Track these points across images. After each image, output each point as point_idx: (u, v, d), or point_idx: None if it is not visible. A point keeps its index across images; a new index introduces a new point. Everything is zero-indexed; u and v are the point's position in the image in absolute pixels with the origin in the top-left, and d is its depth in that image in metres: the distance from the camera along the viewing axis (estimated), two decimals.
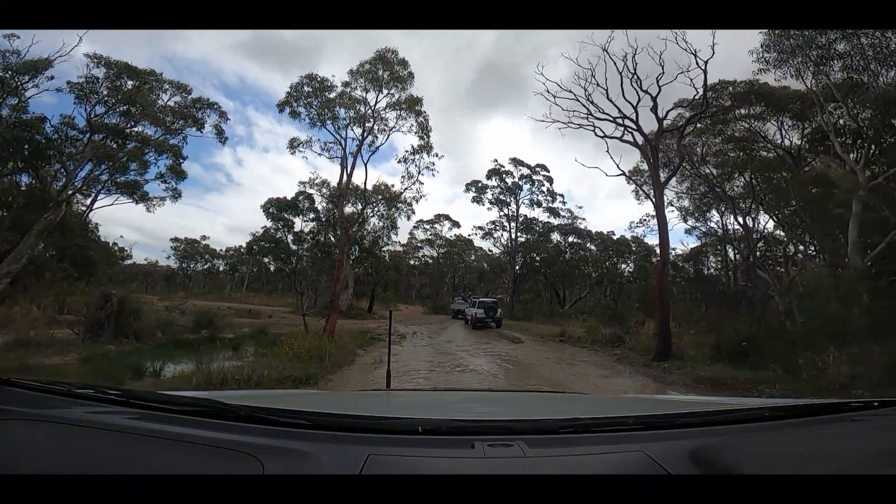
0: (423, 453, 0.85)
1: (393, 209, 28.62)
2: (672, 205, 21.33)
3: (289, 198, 26.34)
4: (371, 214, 28.39)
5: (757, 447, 0.93)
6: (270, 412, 0.98)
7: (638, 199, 23.79)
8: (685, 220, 22.69)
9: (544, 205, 35.91)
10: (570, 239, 35.44)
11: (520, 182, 35.61)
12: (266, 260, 28.09)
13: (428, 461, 0.83)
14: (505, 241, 36.51)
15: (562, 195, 36.86)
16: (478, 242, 43.21)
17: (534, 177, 35.53)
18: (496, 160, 35.96)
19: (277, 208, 25.53)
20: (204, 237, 48.63)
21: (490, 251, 43.29)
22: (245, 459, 0.79)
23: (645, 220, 27.38)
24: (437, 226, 43.07)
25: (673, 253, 30.57)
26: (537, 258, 34.72)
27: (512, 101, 60.65)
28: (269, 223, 25.51)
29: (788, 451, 0.94)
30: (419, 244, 42.56)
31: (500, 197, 35.53)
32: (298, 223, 27.13)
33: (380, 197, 27.63)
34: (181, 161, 20.26)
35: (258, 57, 70.13)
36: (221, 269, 49.32)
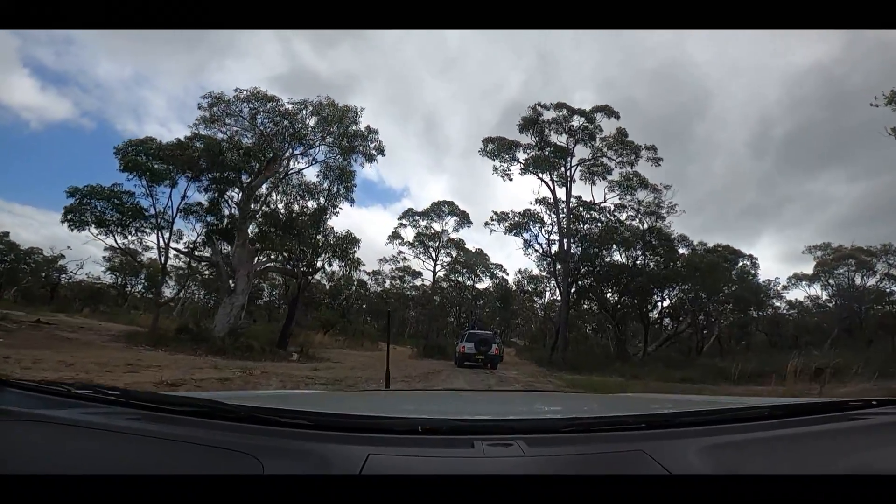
0: (423, 453, 0.86)
1: (347, 143, 16.43)
2: None
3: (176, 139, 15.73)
4: (302, 153, 16.92)
5: (757, 447, 0.93)
6: (270, 412, 0.99)
7: None
8: None
9: (616, 172, 21.37)
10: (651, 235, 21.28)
11: (569, 146, 21.41)
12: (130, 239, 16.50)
13: (427, 461, 0.83)
14: (545, 241, 22.78)
15: (653, 147, 21.26)
16: (495, 257, 32.27)
17: (590, 127, 21.22)
18: (533, 107, 21.68)
19: (150, 154, 14.99)
20: (147, 248, 26.21)
21: (501, 278, 31.99)
22: (245, 459, 0.79)
23: None
24: (434, 224, 29.58)
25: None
26: (593, 268, 21.40)
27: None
28: (138, 181, 14.78)
29: (788, 451, 0.94)
30: (408, 253, 30.33)
31: (544, 153, 21.41)
32: (186, 186, 15.83)
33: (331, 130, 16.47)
34: None
35: (291, 92, 68.48)
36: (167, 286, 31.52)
